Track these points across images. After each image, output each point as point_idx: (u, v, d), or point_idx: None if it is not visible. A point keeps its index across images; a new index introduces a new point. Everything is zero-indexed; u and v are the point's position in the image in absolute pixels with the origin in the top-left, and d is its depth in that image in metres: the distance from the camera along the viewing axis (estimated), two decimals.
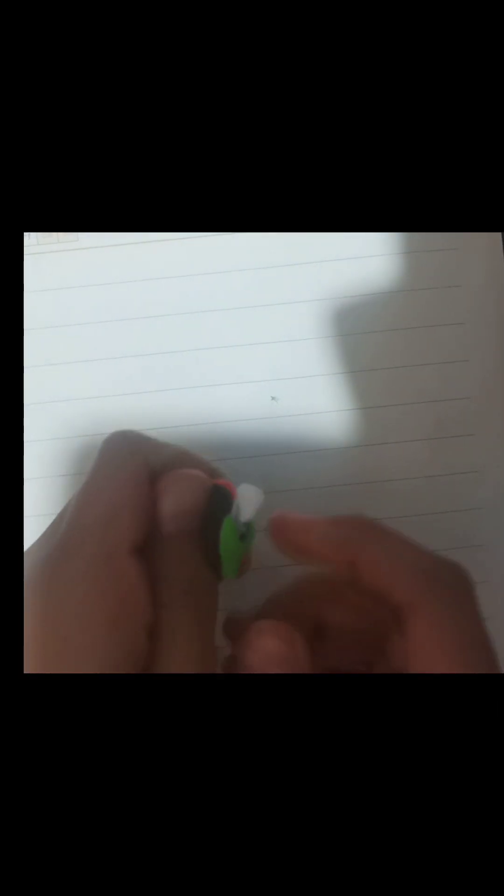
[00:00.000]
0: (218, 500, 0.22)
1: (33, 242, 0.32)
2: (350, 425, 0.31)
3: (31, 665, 0.18)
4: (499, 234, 0.32)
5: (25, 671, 0.18)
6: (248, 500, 0.22)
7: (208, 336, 0.32)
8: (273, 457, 0.31)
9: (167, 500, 0.21)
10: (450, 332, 0.32)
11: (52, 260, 0.32)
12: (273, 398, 0.31)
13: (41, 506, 0.31)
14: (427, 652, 0.19)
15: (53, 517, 0.22)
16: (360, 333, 0.32)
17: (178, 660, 0.19)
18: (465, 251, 0.32)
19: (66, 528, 0.20)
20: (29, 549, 0.21)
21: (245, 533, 0.23)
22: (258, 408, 0.31)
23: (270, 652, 0.21)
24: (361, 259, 0.32)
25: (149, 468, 0.22)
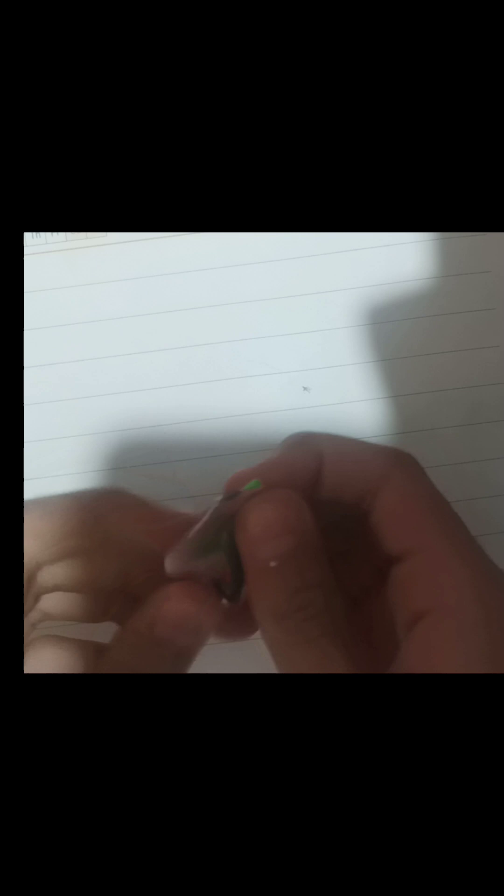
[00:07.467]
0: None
1: (62, 239, 0.32)
2: (382, 414, 0.31)
3: None
4: None
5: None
6: None
7: (239, 328, 0.32)
8: None
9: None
10: (480, 318, 0.32)
11: (81, 255, 0.32)
12: (305, 388, 0.31)
13: None
14: (398, 517, 0.21)
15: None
16: (391, 321, 0.32)
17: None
18: (492, 236, 0.32)
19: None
20: None
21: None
22: (290, 398, 0.31)
23: (270, 521, 0.20)
24: (390, 247, 0.32)
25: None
